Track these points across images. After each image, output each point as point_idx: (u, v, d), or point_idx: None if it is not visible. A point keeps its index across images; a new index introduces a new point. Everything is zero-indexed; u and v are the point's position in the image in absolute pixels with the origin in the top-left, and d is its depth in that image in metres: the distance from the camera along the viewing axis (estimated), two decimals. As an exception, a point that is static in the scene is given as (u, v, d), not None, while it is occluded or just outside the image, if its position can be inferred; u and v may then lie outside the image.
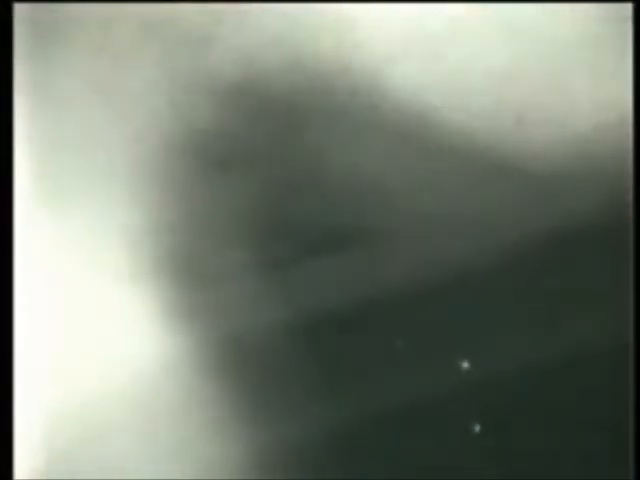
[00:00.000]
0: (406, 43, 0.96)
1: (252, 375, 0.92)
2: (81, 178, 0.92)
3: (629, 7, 0.97)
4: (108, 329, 0.92)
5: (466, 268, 0.94)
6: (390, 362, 0.94)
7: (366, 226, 0.95)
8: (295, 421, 0.93)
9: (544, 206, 0.95)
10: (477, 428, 0.95)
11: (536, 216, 0.95)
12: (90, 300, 0.92)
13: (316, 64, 0.95)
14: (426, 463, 0.93)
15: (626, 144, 0.93)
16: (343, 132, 0.95)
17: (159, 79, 0.94)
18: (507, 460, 0.94)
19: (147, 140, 0.93)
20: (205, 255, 0.93)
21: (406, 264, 0.93)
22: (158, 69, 0.94)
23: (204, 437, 0.91)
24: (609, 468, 0.91)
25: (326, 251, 0.94)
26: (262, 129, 0.95)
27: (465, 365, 0.96)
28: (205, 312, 0.92)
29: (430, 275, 0.93)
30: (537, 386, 0.94)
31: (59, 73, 0.93)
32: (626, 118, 0.94)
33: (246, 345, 0.93)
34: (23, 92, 0.92)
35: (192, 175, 0.94)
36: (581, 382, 0.93)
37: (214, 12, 0.94)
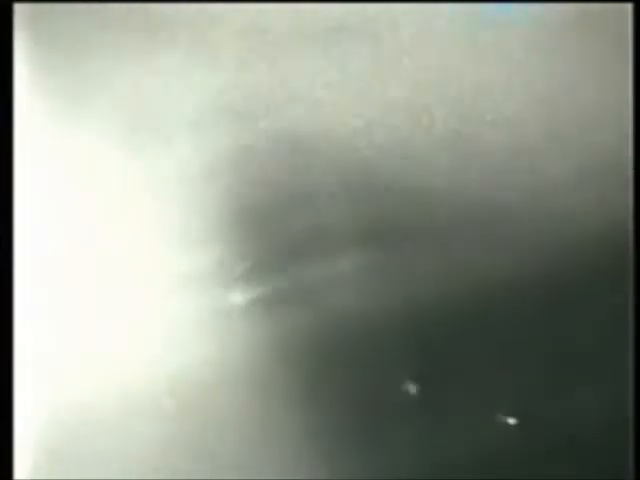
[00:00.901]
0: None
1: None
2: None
3: (629, 7, 0.98)
4: (155, 329, 0.92)
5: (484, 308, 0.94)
6: (408, 415, 0.93)
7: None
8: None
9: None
10: None
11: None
12: (138, 298, 0.93)
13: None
14: None
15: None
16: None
17: (169, 78, 0.94)
18: None
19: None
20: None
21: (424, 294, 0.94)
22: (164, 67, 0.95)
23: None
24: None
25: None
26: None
27: (511, 422, 0.90)
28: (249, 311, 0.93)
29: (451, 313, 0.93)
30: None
31: (59, 73, 0.93)
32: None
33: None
34: (24, 92, 0.92)
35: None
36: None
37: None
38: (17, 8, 0.91)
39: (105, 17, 0.93)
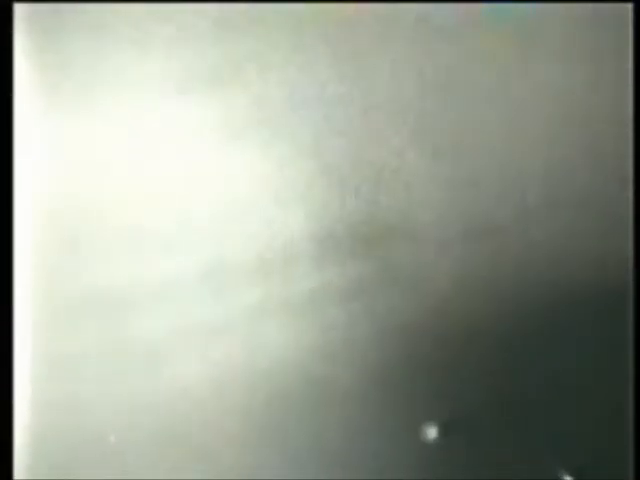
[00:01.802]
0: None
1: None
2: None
3: (629, 7, 0.97)
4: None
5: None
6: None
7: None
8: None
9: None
10: None
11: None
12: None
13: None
14: None
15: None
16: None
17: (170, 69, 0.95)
18: None
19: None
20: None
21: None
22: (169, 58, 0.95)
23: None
24: None
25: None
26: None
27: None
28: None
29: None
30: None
31: (59, 72, 0.93)
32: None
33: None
34: (24, 91, 0.92)
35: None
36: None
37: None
38: (17, 8, 0.91)
39: (104, 16, 0.93)
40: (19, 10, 0.91)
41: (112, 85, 0.94)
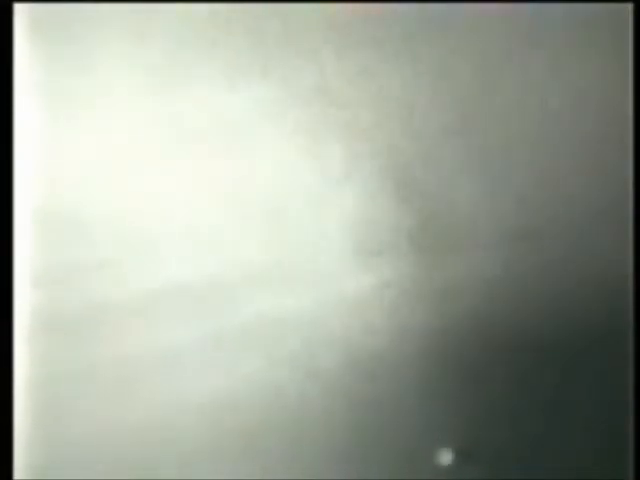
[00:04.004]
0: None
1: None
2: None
3: (629, 7, 0.98)
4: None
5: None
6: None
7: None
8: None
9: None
10: None
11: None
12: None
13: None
14: None
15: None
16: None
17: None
18: None
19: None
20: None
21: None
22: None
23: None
24: None
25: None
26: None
27: None
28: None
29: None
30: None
31: (59, 72, 0.93)
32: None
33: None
34: (24, 91, 0.92)
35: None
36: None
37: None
38: (17, 8, 0.91)
39: (103, 16, 0.93)
40: (19, 10, 0.91)
41: (114, 85, 0.94)
